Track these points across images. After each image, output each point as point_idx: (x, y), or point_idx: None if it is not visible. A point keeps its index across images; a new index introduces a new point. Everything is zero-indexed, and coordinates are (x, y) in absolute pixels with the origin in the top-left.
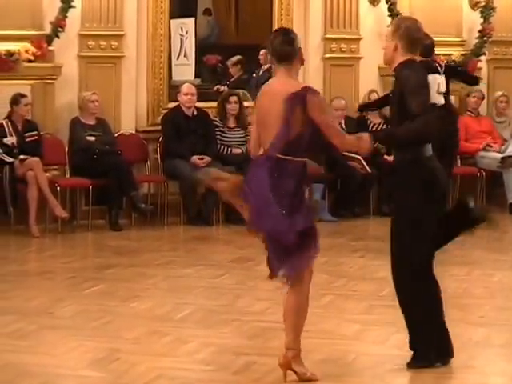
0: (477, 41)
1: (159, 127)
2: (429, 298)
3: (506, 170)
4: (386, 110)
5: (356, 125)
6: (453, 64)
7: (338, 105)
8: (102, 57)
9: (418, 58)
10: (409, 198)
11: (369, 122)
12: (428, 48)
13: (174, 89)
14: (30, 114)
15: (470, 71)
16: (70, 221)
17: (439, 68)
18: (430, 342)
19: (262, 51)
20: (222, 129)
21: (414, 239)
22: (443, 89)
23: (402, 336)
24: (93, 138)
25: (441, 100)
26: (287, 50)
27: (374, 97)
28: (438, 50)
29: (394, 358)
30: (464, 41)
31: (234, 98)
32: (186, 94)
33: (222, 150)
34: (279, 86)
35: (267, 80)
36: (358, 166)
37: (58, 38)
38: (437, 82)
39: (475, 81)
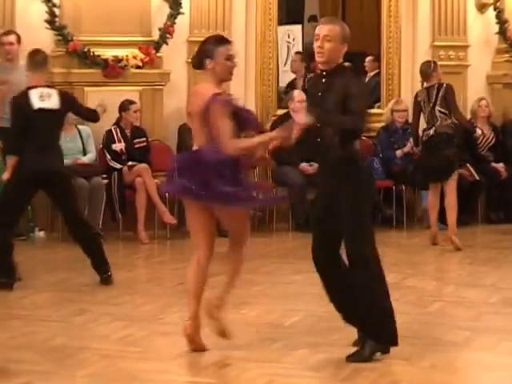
0: None
1: None
2: None
3: None
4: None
5: (463, 132)
6: None
7: None
8: None
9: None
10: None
11: (478, 130)
12: None
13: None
14: (139, 120)
15: None
16: (178, 227)
17: None
18: None
19: (368, 58)
20: None
21: None
22: None
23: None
24: None
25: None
26: None
27: (484, 104)
28: None
29: (504, 365)
30: None
31: None
32: (299, 101)
33: None
34: None
35: (374, 87)
36: (465, 173)
37: (167, 44)
38: None
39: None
